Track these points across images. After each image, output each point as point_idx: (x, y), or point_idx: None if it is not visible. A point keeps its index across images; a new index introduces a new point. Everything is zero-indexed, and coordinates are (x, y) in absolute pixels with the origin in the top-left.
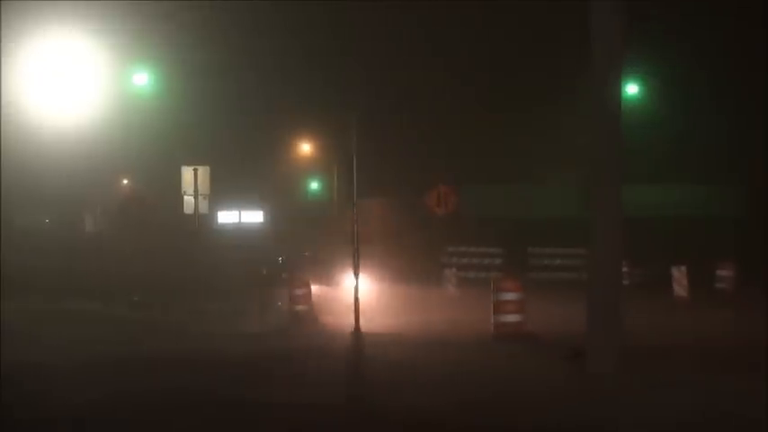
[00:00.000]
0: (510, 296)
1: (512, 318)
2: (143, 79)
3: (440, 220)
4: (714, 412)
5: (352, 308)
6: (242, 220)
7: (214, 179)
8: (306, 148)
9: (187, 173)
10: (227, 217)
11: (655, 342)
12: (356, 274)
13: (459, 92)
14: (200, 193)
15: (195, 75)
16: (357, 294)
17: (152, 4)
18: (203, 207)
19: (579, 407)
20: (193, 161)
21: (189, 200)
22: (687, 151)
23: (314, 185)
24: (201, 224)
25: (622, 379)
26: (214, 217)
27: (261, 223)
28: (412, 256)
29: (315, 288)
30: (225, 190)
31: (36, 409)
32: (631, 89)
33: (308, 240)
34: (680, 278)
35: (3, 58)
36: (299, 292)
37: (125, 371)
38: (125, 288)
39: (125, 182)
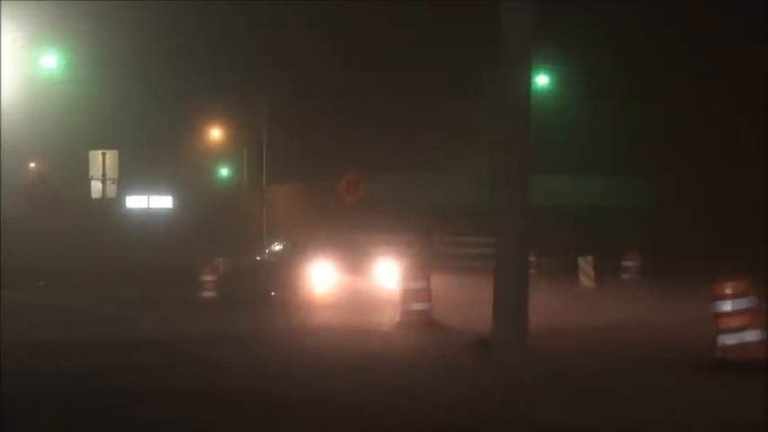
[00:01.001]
0: (416, 284)
1: (418, 306)
2: (52, 62)
3: (349, 207)
4: (614, 397)
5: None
6: (151, 206)
7: (123, 164)
8: (216, 134)
9: (95, 157)
10: (135, 202)
11: (559, 331)
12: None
13: (371, 80)
14: (107, 177)
15: (106, 59)
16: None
17: None
18: (111, 191)
19: (483, 394)
20: (102, 145)
21: (96, 184)
22: (595, 142)
23: (224, 171)
24: (109, 209)
25: (527, 367)
26: (122, 202)
27: (170, 209)
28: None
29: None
30: (134, 175)
31: None
32: (541, 80)
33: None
34: (586, 268)
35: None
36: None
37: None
38: (31, 273)
39: (32, 165)
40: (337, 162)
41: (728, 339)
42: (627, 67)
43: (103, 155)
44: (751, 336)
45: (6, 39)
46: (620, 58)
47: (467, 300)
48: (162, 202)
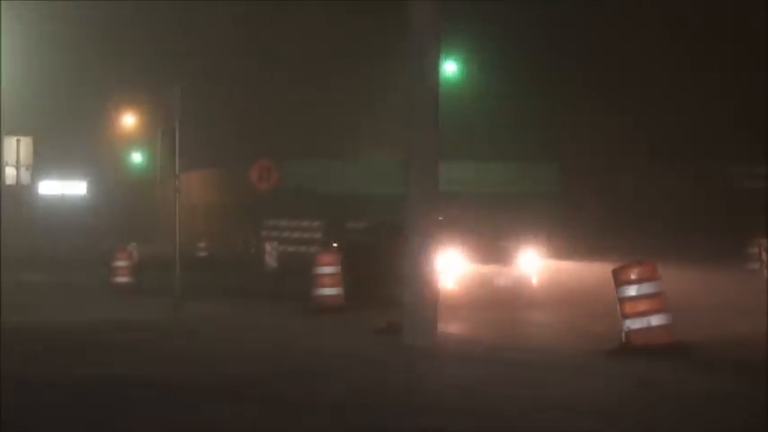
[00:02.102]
0: (328, 270)
1: (329, 291)
2: None
3: (262, 193)
4: (513, 378)
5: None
6: (65, 192)
7: (38, 150)
8: (129, 120)
9: (9, 143)
10: (49, 188)
11: (470, 311)
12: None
13: (281, 67)
14: (22, 164)
15: (21, 43)
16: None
17: None
18: (25, 178)
19: (390, 375)
20: (17, 131)
21: (11, 170)
22: (502, 129)
23: (137, 158)
24: (22, 194)
25: (438, 350)
26: (36, 188)
27: (84, 195)
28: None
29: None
30: (49, 161)
31: None
32: (449, 68)
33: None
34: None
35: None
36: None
37: None
38: None
39: None
40: (249, 149)
41: (634, 324)
42: (535, 55)
43: (18, 141)
44: (656, 320)
45: None
46: (528, 45)
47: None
48: (76, 188)
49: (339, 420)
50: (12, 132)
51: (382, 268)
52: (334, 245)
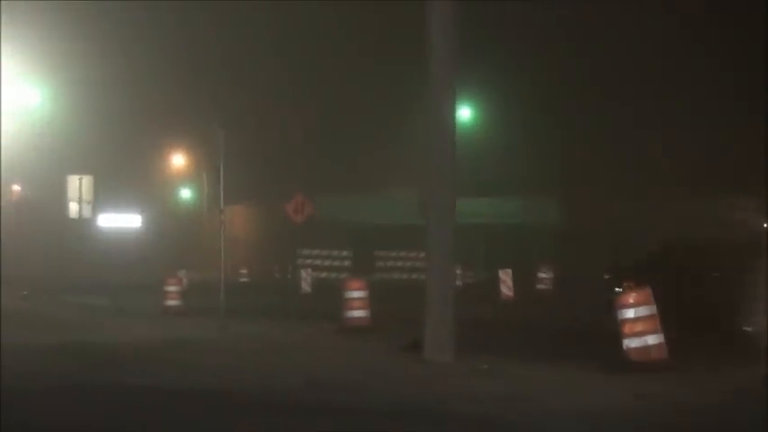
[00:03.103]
0: (356, 294)
1: (358, 313)
2: (36, 95)
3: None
4: (527, 391)
5: None
6: (121, 225)
7: (97, 187)
8: (178, 159)
9: (73, 181)
10: (107, 221)
11: (484, 333)
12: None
13: (314, 111)
14: (84, 199)
15: (83, 91)
16: None
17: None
18: (87, 212)
19: (414, 387)
20: (79, 170)
21: (74, 205)
22: (510, 169)
23: (185, 193)
24: (85, 227)
25: (454, 365)
26: (96, 220)
27: (138, 227)
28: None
29: None
30: (108, 196)
31: None
32: (464, 113)
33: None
34: (506, 280)
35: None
36: None
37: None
38: (16, 283)
39: (15, 188)
40: (286, 185)
41: (632, 342)
42: (539, 103)
43: (80, 180)
44: (652, 339)
45: None
46: (532, 95)
47: (402, 307)
48: (132, 221)
49: (353, 425)
50: (74, 172)
51: (720, 292)
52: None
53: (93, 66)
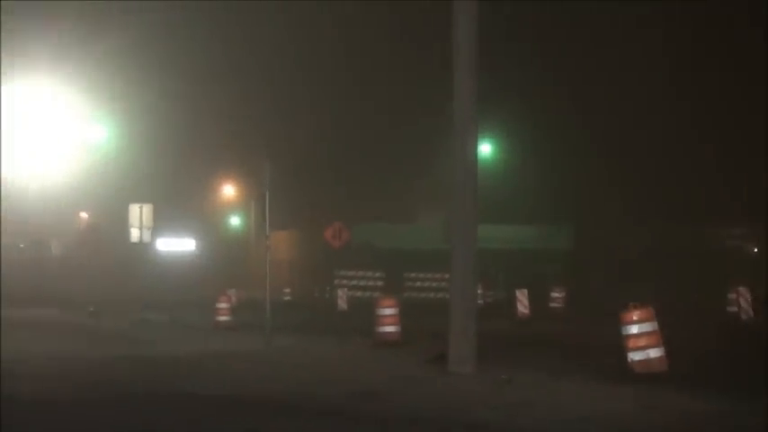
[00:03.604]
0: (388, 311)
1: (389, 328)
2: (100, 131)
3: (335, 249)
4: (541, 399)
5: None
6: (177, 248)
7: (156, 214)
8: (229, 190)
9: (134, 209)
10: (165, 245)
11: (503, 347)
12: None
13: (351, 147)
14: (144, 225)
15: (143, 129)
16: None
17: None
18: (146, 236)
19: (439, 396)
20: (140, 199)
21: (135, 231)
22: (525, 198)
23: (235, 220)
24: (145, 250)
25: (475, 375)
26: (155, 244)
27: (193, 251)
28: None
29: None
30: (165, 222)
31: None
32: (485, 149)
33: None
34: (522, 298)
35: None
36: None
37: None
38: (83, 300)
39: (83, 215)
40: (325, 213)
41: (636, 356)
42: (551, 143)
43: (141, 208)
44: (654, 353)
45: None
46: (545, 137)
47: (428, 324)
48: (187, 245)
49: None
50: (136, 201)
51: None
52: None
53: (152, 106)
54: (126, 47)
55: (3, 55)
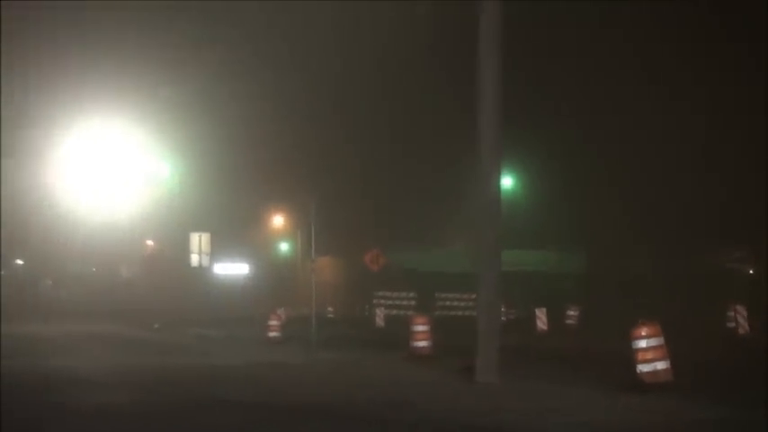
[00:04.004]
0: (421, 328)
1: (422, 343)
2: (165, 168)
3: (373, 272)
4: (559, 406)
5: None
6: (232, 272)
7: (213, 241)
8: (278, 220)
9: (194, 237)
10: (222, 269)
11: (524, 359)
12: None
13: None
14: (202, 252)
15: (202, 164)
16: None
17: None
18: (205, 261)
19: (467, 404)
20: (199, 228)
21: (195, 256)
22: (544, 226)
23: (284, 247)
24: (203, 274)
25: (500, 385)
26: (212, 268)
27: (246, 274)
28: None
29: None
30: (221, 249)
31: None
32: (507, 182)
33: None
34: (541, 316)
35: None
36: None
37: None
38: (149, 317)
39: (149, 242)
40: (365, 240)
41: (644, 368)
42: (566, 170)
43: (200, 236)
44: (660, 365)
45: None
46: (561, 169)
47: (457, 339)
48: (241, 269)
49: None
50: (195, 230)
51: None
52: None
53: (211, 146)
54: (188, 92)
55: (84, 98)
